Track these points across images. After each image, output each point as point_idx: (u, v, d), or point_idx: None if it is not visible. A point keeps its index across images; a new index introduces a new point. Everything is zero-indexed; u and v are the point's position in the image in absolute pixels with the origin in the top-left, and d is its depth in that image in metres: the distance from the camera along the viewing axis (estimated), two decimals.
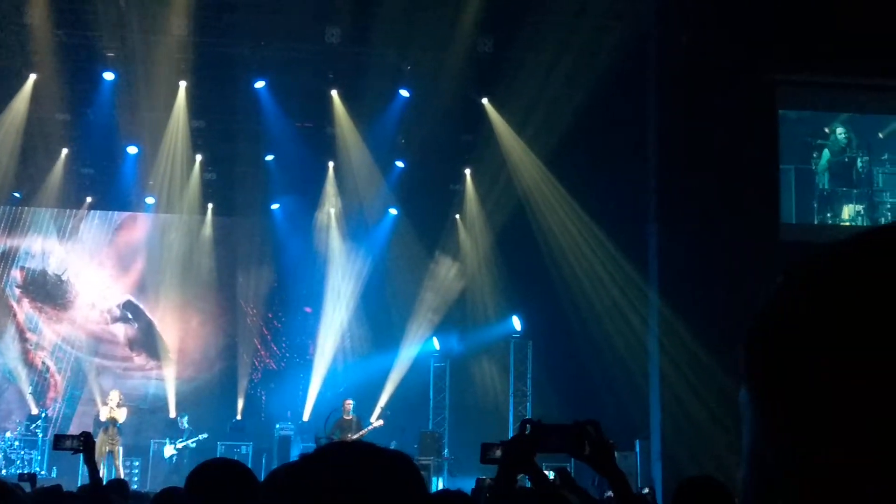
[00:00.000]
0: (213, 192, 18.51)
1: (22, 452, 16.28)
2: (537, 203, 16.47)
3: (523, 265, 16.86)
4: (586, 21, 14.34)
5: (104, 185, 18.35)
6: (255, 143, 17.16)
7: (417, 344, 18.01)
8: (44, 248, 18.88)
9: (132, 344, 18.81)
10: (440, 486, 14.44)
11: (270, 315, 18.98)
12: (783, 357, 0.67)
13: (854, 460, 0.63)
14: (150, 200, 18.58)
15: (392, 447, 1.61)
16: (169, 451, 16.45)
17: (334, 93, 16.36)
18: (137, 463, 16.46)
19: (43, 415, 17.27)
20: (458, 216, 18.42)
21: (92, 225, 18.99)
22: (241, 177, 17.87)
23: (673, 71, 14.23)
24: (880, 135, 15.27)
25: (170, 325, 18.65)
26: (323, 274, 18.52)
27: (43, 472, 15.25)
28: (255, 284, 18.78)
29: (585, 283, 15.82)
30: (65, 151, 17.51)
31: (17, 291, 18.75)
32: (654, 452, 14.09)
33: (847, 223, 14.76)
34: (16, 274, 18.79)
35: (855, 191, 15.06)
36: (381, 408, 16.91)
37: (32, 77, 15.80)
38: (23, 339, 18.49)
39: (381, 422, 15.77)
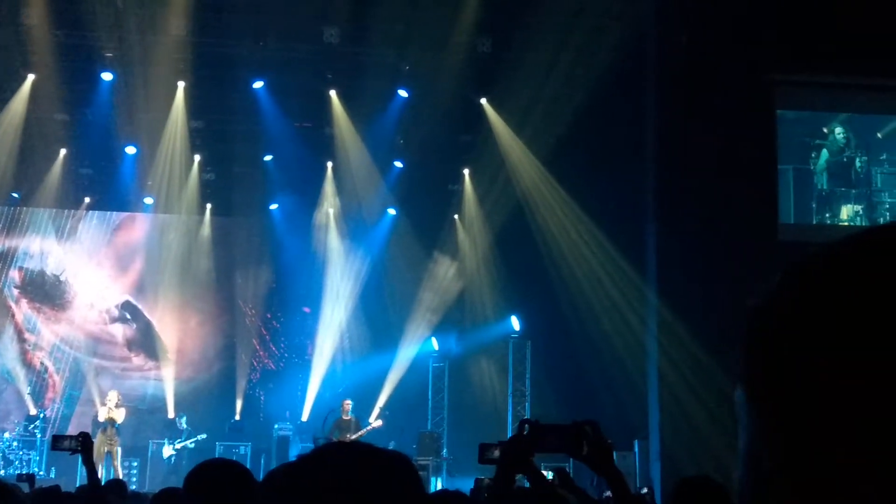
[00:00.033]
0: (212, 192, 18.51)
1: (20, 453, 16.27)
2: (536, 203, 16.47)
3: (522, 265, 16.86)
4: (585, 21, 14.34)
5: (103, 186, 18.35)
6: (254, 143, 17.16)
7: (416, 344, 18.01)
8: (42, 248, 18.87)
9: (131, 344, 18.80)
10: (439, 487, 14.44)
11: (269, 315, 18.98)
12: (779, 357, 0.66)
13: (849, 461, 0.62)
14: (148, 201, 18.58)
15: (391, 447, 1.61)
16: (167, 451, 16.44)
17: (333, 93, 16.36)
18: (136, 463, 16.45)
19: (41, 415, 17.26)
20: (456, 216, 18.42)
21: (90, 225, 18.99)
22: (239, 177, 17.88)
23: (672, 71, 14.23)
24: (879, 135, 15.28)
25: (168, 326, 18.65)
26: (321, 274, 18.52)
27: (41, 473, 15.25)
28: (254, 284, 18.78)
29: (584, 283, 15.82)
30: (63, 152, 17.50)
31: (16, 292, 18.75)
32: (653, 452, 14.09)
33: (845, 223, 14.76)
34: (14, 274, 18.78)
35: (853, 191, 15.05)
36: (380, 408, 16.92)
37: (31, 77, 15.79)
38: (21, 340, 18.49)
39: (379, 422, 15.77)
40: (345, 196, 18.21)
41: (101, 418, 15.53)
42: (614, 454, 3.07)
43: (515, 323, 17.56)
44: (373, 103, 16.15)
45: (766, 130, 14.43)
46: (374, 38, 14.85)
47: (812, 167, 14.99)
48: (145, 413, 17.95)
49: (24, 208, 18.57)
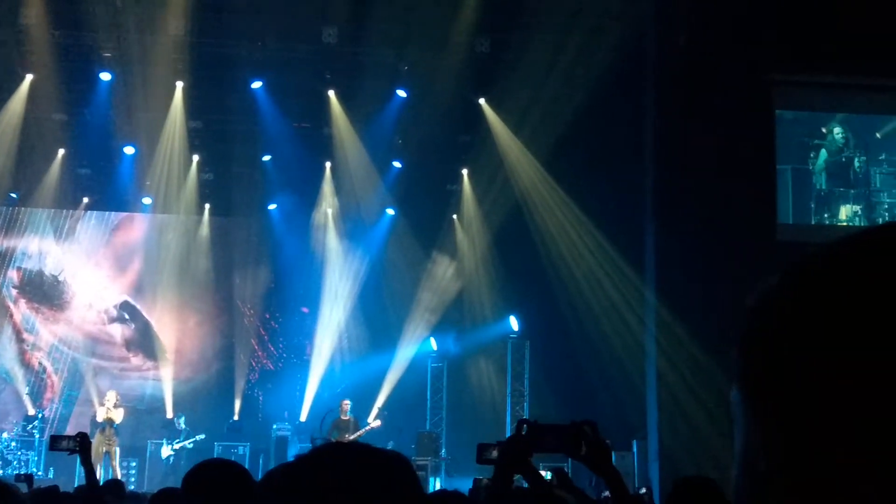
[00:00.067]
0: (210, 192, 18.50)
1: (19, 453, 16.26)
2: (534, 203, 16.47)
3: (520, 265, 16.86)
4: (584, 21, 14.34)
5: (101, 186, 18.34)
6: (252, 143, 17.16)
7: (415, 344, 18.00)
8: (40, 248, 18.86)
9: (129, 344, 18.79)
10: (437, 487, 14.43)
11: (268, 315, 18.97)
12: (778, 357, 0.66)
13: (849, 461, 0.62)
14: (146, 201, 18.57)
15: (389, 447, 1.61)
16: (166, 451, 16.42)
17: (331, 93, 16.36)
18: (134, 463, 16.44)
19: (40, 415, 17.24)
20: (455, 216, 18.41)
21: (89, 225, 18.98)
22: (237, 177, 17.88)
23: (671, 71, 14.24)
24: (878, 135, 15.28)
25: (167, 326, 18.64)
26: (320, 274, 18.51)
27: (40, 473, 15.24)
28: (253, 285, 18.77)
29: (583, 283, 15.82)
30: (61, 152, 17.49)
31: (14, 292, 18.74)
32: (652, 452, 14.10)
33: (844, 223, 14.76)
34: (12, 274, 18.77)
35: (852, 191, 15.06)
36: (379, 408, 16.91)
37: (29, 77, 15.79)
38: (19, 340, 18.48)
39: (378, 422, 15.77)
40: (343, 196, 18.21)
41: (100, 418, 15.52)
42: (613, 454, 3.07)
43: (514, 323, 17.55)
44: (371, 103, 16.15)
45: (765, 130, 14.43)
46: (373, 38, 14.85)
47: (811, 167, 15.00)
48: (144, 413, 17.94)
49: (23, 208, 18.56)
